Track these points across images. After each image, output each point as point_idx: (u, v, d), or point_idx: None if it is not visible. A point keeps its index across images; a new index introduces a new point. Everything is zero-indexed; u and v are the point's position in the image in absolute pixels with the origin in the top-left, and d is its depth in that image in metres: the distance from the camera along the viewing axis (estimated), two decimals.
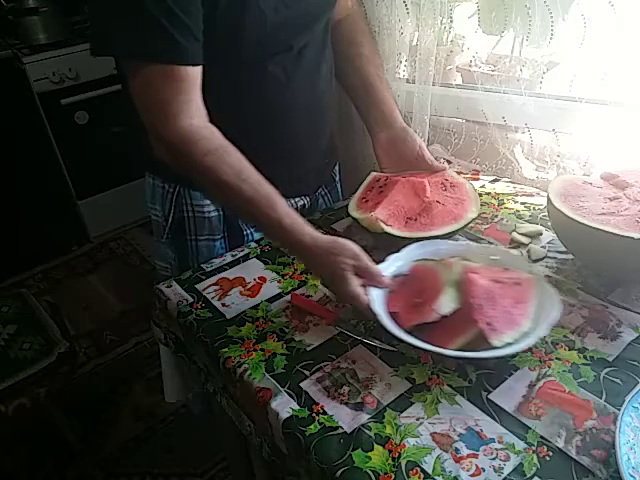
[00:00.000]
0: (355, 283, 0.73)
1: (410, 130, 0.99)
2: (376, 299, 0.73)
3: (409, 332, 0.69)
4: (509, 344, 0.65)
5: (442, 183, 0.96)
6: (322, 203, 1.14)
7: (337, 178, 1.19)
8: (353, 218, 0.94)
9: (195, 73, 0.75)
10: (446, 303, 0.69)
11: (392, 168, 1.01)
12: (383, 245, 0.88)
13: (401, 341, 0.68)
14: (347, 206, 1.08)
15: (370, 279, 0.75)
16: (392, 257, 0.81)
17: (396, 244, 0.86)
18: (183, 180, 0.94)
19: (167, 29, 0.70)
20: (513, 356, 0.69)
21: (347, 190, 1.18)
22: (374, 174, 1.02)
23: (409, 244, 0.84)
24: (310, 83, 0.93)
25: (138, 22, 0.70)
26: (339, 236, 0.97)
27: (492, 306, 0.69)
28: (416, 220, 0.90)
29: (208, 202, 0.97)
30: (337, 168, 1.18)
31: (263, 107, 0.90)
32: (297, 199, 1.05)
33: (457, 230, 0.89)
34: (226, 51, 0.81)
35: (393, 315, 0.72)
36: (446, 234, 0.88)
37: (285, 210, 0.76)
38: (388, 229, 0.87)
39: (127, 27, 0.70)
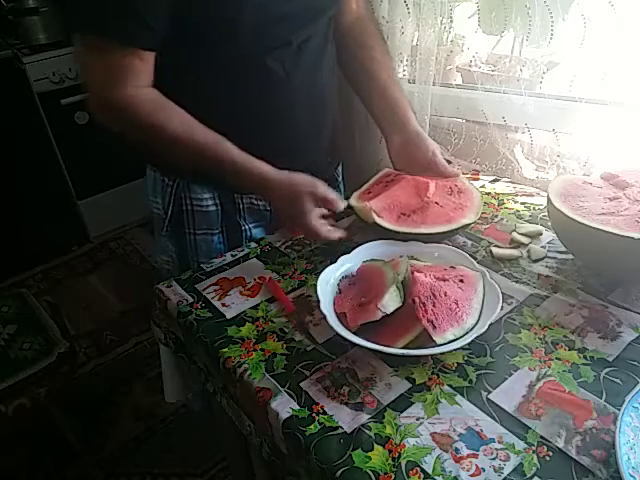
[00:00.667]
0: (314, 212, 0.80)
1: (424, 135, 0.99)
2: (324, 301, 0.75)
3: (357, 332, 0.71)
4: (452, 340, 0.68)
5: (450, 187, 0.96)
6: None
7: (340, 179, 1.19)
8: (350, 206, 0.95)
9: (149, 55, 0.79)
10: (390, 302, 0.71)
11: (406, 171, 1.01)
12: (374, 236, 0.89)
13: (348, 341, 0.70)
14: (346, 207, 1.08)
15: (329, 205, 0.82)
16: (342, 258, 0.84)
17: (385, 236, 0.88)
18: (183, 173, 0.95)
19: (131, 17, 0.74)
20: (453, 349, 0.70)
21: (350, 190, 1.17)
22: (387, 170, 1.03)
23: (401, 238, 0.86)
24: (311, 78, 0.93)
25: (105, 6, 0.74)
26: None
27: (435, 304, 0.71)
28: (409, 217, 0.91)
29: (207, 196, 0.97)
30: (340, 169, 1.18)
31: (262, 103, 0.90)
32: None
33: (445, 232, 0.89)
34: (224, 46, 0.82)
35: (341, 316, 0.74)
36: (433, 234, 0.88)
37: (238, 152, 0.82)
38: (379, 220, 0.89)
39: (92, 8, 0.75)
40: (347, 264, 0.84)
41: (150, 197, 1.04)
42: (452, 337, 0.68)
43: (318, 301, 0.75)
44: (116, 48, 0.76)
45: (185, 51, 0.81)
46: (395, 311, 0.71)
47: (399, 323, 0.71)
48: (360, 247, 0.86)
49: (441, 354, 0.70)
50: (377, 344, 0.68)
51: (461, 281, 0.75)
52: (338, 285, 0.81)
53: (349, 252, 0.85)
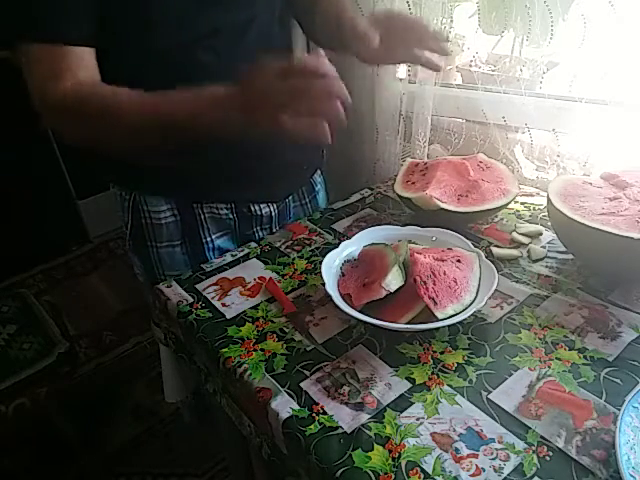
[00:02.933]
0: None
1: (387, 13, 0.93)
2: (329, 283, 0.78)
3: (361, 311, 0.73)
4: (452, 315, 0.71)
5: (478, 165, 1.01)
6: (300, 212, 1.10)
7: (318, 188, 1.13)
8: (404, 198, 0.98)
9: (82, 53, 0.75)
10: (393, 280, 0.74)
11: (394, 56, 0.91)
12: (437, 223, 0.91)
13: (355, 319, 0.73)
14: (347, 206, 1.08)
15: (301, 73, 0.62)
16: (343, 243, 0.87)
17: (450, 220, 0.91)
18: (139, 187, 0.94)
19: (53, 12, 0.71)
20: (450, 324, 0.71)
21: (339, 195, 1.13)
22: (410, 160, 1.06)
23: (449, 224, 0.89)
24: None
25: (25, 6, 0.71)
26: (341, 236, 0.98)
27: (435, 282, 0.74)
28: (467, 197, 0.94)
29: (164, 208, 0.94)
30: (318, 177, 1.13)
31: None
32: (262, 205, 1.00)
33: (507, 203, 0.94)
34: (147, 42, 0.78)
35: (346, 297, 0.77)
36: (497, 207, 0.93)
37: (184, 92, 0.71)
38: (445, 205, 0.91)
39: (13, 11, 0.72)
40: (349, 249, 0.86)
41: (117, 212, 1.02)
42: (452, 312, 0.71)
43: (323, 283, 0.77)
44: (47, 51, 0.73)
45: (113, 54, 0.77)
46: (397, 291, 0.74)
47: (402, 302, 0.74)
48: (360, 233, 0.89)
49: (441, 353, 0.71)
50: (382, 321, 0.71)
51: (458, 261, 0.78)
52: (341, 269, 0.83)
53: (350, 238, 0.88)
